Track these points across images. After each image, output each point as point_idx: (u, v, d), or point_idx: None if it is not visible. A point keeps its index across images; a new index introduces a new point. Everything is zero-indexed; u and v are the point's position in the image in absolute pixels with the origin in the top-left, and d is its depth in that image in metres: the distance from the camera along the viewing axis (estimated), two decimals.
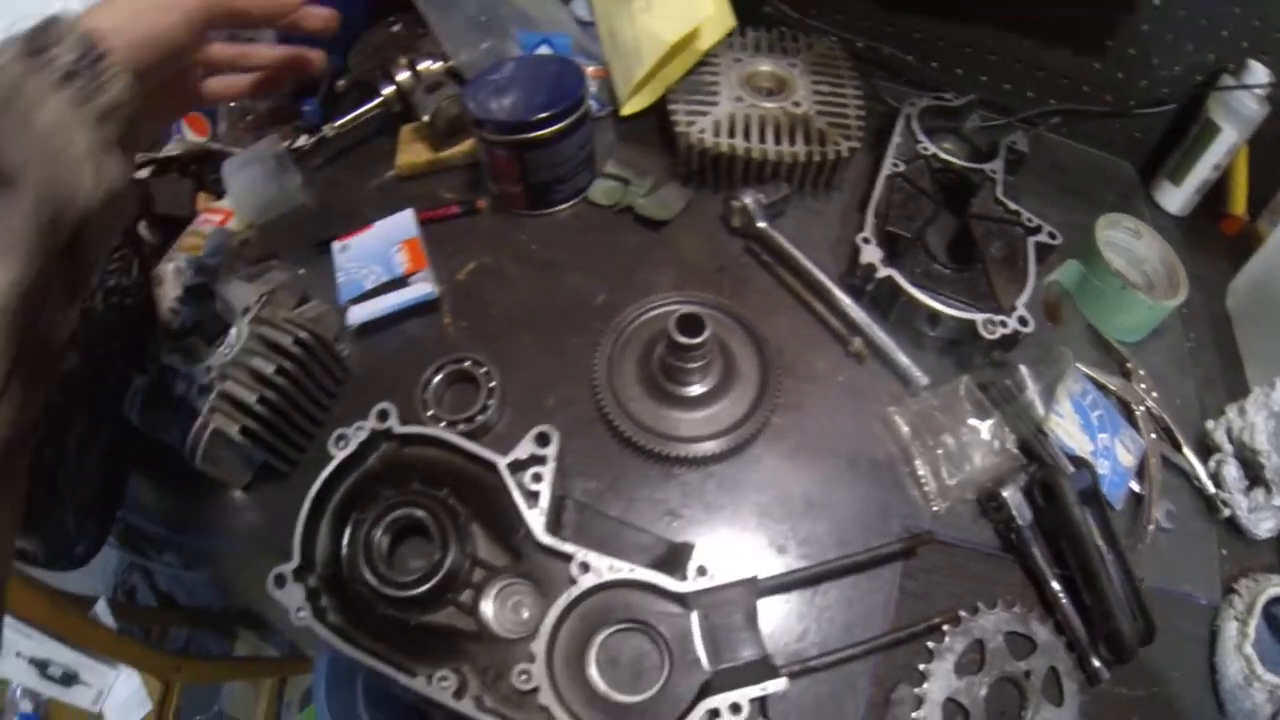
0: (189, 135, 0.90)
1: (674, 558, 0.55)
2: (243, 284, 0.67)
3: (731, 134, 0.72)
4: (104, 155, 0.36)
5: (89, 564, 0.68)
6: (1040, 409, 0.63)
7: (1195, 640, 0.59)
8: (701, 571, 0.51)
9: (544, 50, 0.77)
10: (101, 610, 1.18)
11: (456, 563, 0.54)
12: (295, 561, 0.54)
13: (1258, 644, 0.57)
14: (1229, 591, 0.61)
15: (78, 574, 1.15)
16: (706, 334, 0.56)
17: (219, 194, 0.86)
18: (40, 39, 0.35)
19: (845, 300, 0.67)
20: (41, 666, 1.10)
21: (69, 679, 1.16)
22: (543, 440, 0.56)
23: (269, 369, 0.61)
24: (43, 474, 0.62)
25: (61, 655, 1.12)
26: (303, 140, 0.85)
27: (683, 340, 0.56)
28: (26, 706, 1.21)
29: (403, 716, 0.81)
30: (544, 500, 0.54)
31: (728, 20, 0.70)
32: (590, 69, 0.78)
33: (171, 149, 0.87)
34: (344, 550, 0.56)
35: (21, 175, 0.33)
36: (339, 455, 0.57)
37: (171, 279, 0.75)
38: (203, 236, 0.80)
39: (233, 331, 0.64)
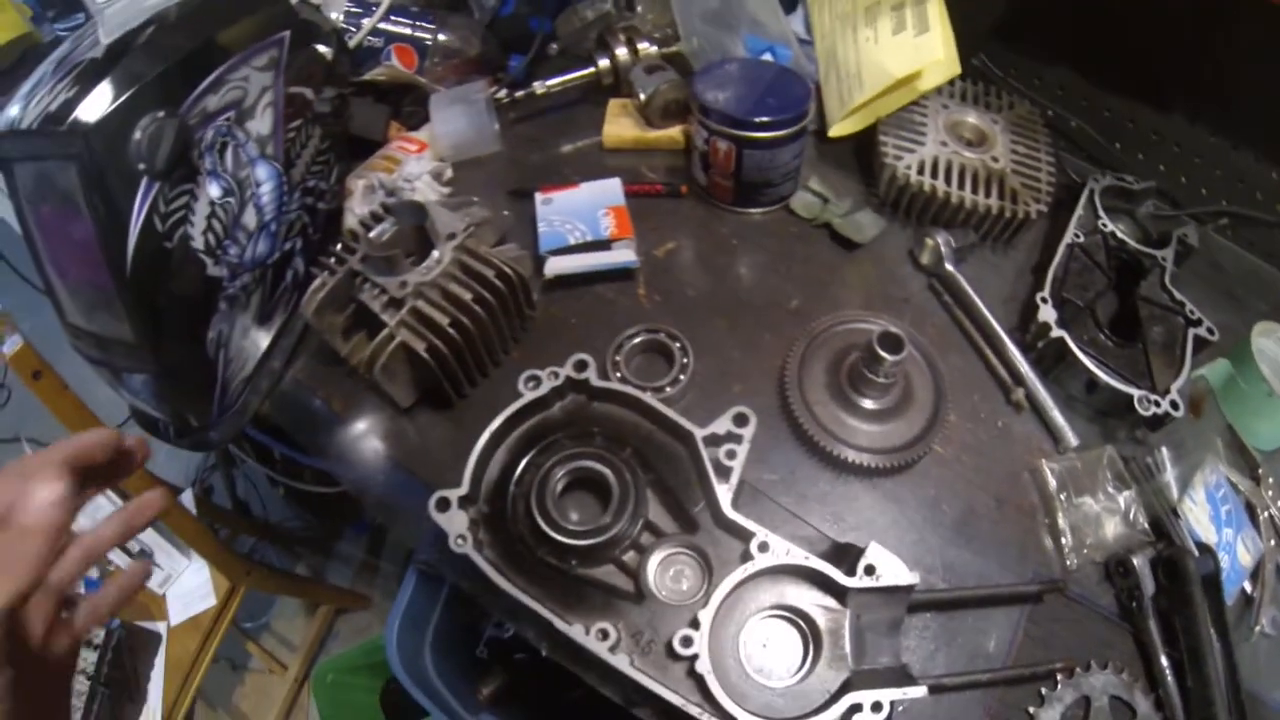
0: (396, 63, 0.93)
1: (836, 556, 0.58)
2: (448, 211, 0.68)
3: (934, 174, 0.74)
4: None
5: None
6: (1175, 491, 0.66)
7: None
8: (870, 571, 0.53)
9: (767, 58, 0.79)
10: (187, 499, 1.20)
11: (629, 523, 0.55)
12: (464, 489, 0.54)
13: None
14: None
15: (165, 460, 1.19)
16: (904, 353, 0.59)
17: (413, 125, 0.89)
18: None
19: (1014, 351, 0.69)
20: None
21: (143, 556, 1.18)
22: (741, 420, 0.58)
23: (466, 295, 0.62)
24: (209, 348, 0.65)
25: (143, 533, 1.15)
26: (503, 93, 0.88)
27: (883, 354, 0.58)
28: (93, 573, 1.25)
29: (464, 671, 0.84)
30: (734, 477, 0.56)
31: (954, 67, 0.72)
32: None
33: (377, 73, 0.89)
34: (512, 489, 0.57)
35: None
36: (528, 395, 0.58)
37: (361, 195, 0.78)
38: (395, 161, 0.82)
39: (434, 254, 0.64)
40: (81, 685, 1.07)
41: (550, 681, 0.83)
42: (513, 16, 0.94)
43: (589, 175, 0.79)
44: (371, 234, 0.64)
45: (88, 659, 1.09)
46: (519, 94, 0.86)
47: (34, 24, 1.11)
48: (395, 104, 0.91)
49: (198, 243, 0.60)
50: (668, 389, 0.65)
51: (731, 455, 0.57)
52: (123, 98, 0.53)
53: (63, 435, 0.89)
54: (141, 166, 0.54)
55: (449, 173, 0.83)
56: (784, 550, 0.54)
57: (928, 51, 0.71)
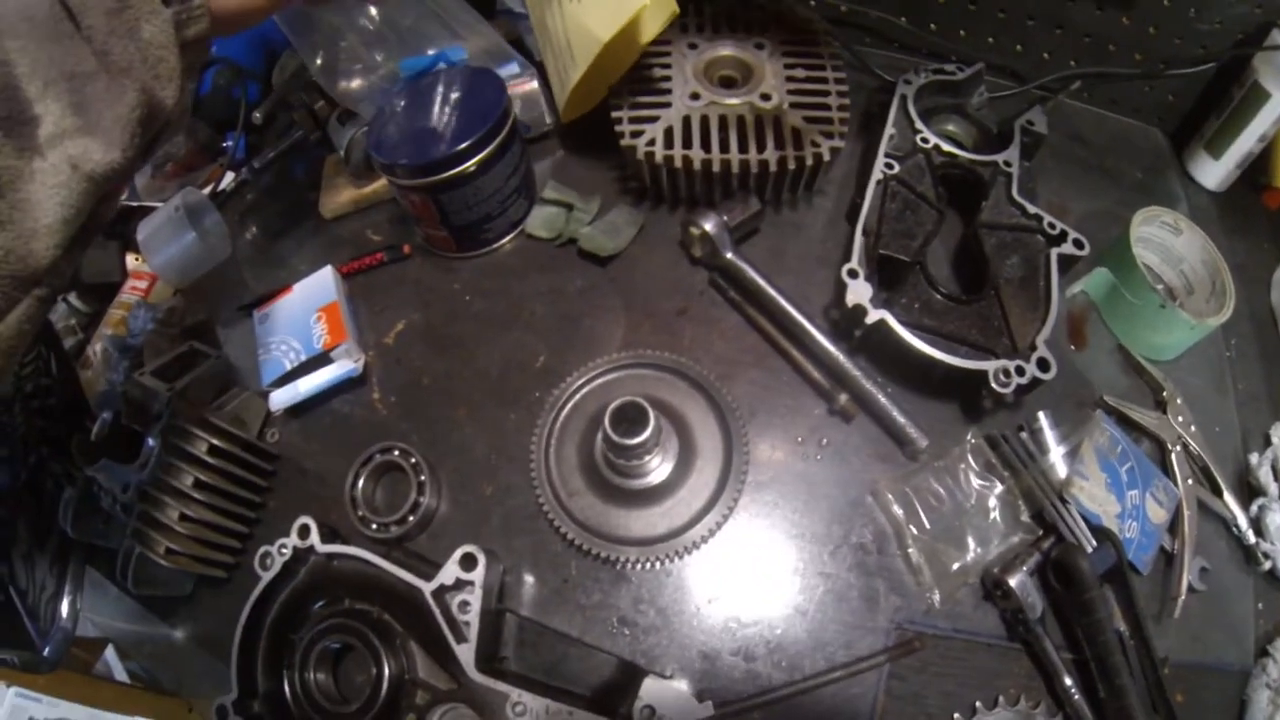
0: None
1: (625, 679, 0.42)
2: (157, 382, 0.53)
3: (687, 142, 0.52)
4: (185, 79, 0.36)
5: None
6: (1062, 470, 0.46)
7: (1223, 713, 0.46)
8: (650, 713, 0.38)
9: (443, 67, 0.55)
10: (110, 657, 1.06)
11: (394, 686, 0.43)
12: (234, 693, 0.45)
13: None
14: (1263, 654, 0.48)
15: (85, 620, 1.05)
16: (648, 431, 0.39)
17: None
18: None
19: (828, 346, 0.49)
20: None
21: None
22: (468, 564, 0.43)
23: (187, 482, 0.50)
24: None
25: (76, 714, 1.04)
26: (227, 181, 0.66)
27: (619, 441, 0.39)
28: None
29: None
30: (473, 632, 0.42)
31: (670, 4, 0.48)
32: (515, 80, 0.56)
33: None
34: (284, 672, 0.45)
35: (129, 73, 0.33)
36: (265, 577, 0.47)
37: (100, 362, 0.64)
38: (128, 308, 0.66)
39: (149, 442, 0.52)
40: None
41: None
42: (213, 93, 0.71)
43: (319, 255, 0.60)
44: (93, 432, 0.54)
45: None
46: (232, 184, 0.65)
47: None
48: (124, 235, 0.71)
49: None
50: (410, 518, 0.47)
51: (465, 608, 0.42)
52: None
53: None
54: None
55: (181, 303, 0.64)
56: (543, 709, 0.40)
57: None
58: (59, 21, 0.32)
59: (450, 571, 0.42)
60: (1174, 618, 0.46)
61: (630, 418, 0.40)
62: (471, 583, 0.41)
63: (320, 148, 0.66)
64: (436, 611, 0.41)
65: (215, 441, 0.50)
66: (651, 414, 0.40)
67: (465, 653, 0.41)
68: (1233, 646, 0.47)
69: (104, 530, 0.54)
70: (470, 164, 0.49)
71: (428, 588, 0.42)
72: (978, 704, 0.44)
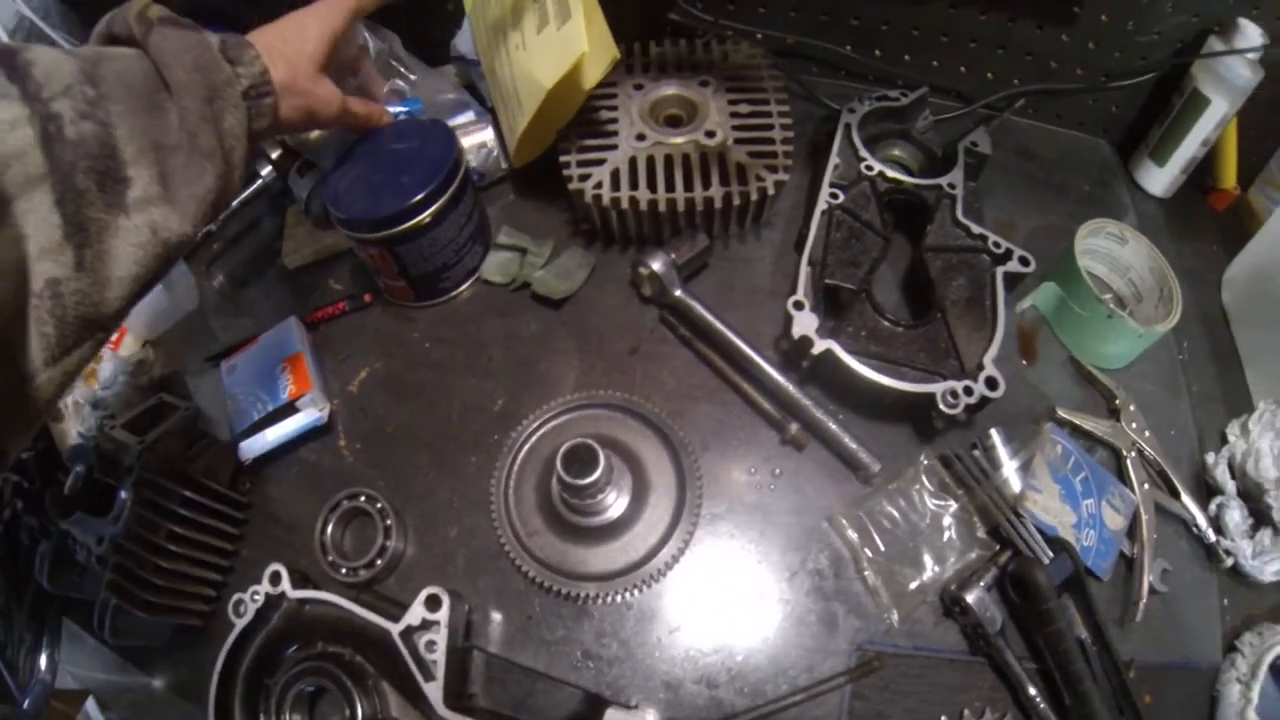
0: None
1: (590, 712, 0.44)
2: (127, 436, 0.56)
3: (634, 183, 0.56)
4: (245, 169, 0.42)
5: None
6: (1016, 485, 0.49)
7: (1192, 711, 0.49)
8: None
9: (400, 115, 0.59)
10: (91, 708, 1.07)
11: None
12: None
13: (1262, 708, 0.46)
14: (1230, 650, 0.50)
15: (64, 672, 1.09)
16: (598, 471, 0.42)
17: None
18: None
19: (777, 378, 0.52)
20: None
21: None
22: (433, 604, 0.45)
23: (159, 535, 0.53)
24: None
25: None
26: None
27: (571, 481, 0.42)
28: None
29: None
30: (440, 670, 0.44)
31: (610, 51, 0.52)
32: (469, 127, 0.61)
33: None
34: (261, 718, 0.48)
35: (210, 157, 0.38)
36: (239, 624, 0.49)
37: (71, 414, 0.66)
38: (98, 361, 0.68)
39: (121, 494, 0.54)
40: None
41: None
42: None
43: (283, 304, 0.63)
44: (66, 486, 0.55)
45: None
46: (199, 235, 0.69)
47: None
48: None
49: None
50: (377, 561, 0.50)
51: (432, 647, 0.45)
52: None
53: None
54: None
55: (151, 355, 0.68)
56: None
57: (573, 45, 0.51)
58: (155, 93, 0.36)
59: (416, 612, 0.44)
60: (1137, 621, 0.48)
61: (582, 459, 0.42)
62: (437, 622, 0.44)
63: (283, 197, 0.70)
64: (404, 651, 0.44)
65: (187, 493, 0.53)
66: (601, 454, 0.42)
67: (434, 690, 0.43)
68: (1199, 645, 0.50)
69: (79, 583, 0.56)
70: (424, 216, 0.52)
71: (395, 629, 0.44)
72: (943, 718, 0.46)
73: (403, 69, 0.65)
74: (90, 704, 0.88)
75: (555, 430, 0.50)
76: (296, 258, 0.65)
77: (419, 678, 0.44)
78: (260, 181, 0.68)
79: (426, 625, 0.45)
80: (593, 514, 0.46)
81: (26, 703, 0.60)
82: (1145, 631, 0.49)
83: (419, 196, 0.51)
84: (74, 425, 0.66)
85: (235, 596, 0.50)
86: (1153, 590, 0.49)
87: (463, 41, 0.67)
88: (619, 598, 0.47)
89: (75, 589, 0.57)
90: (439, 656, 0.44)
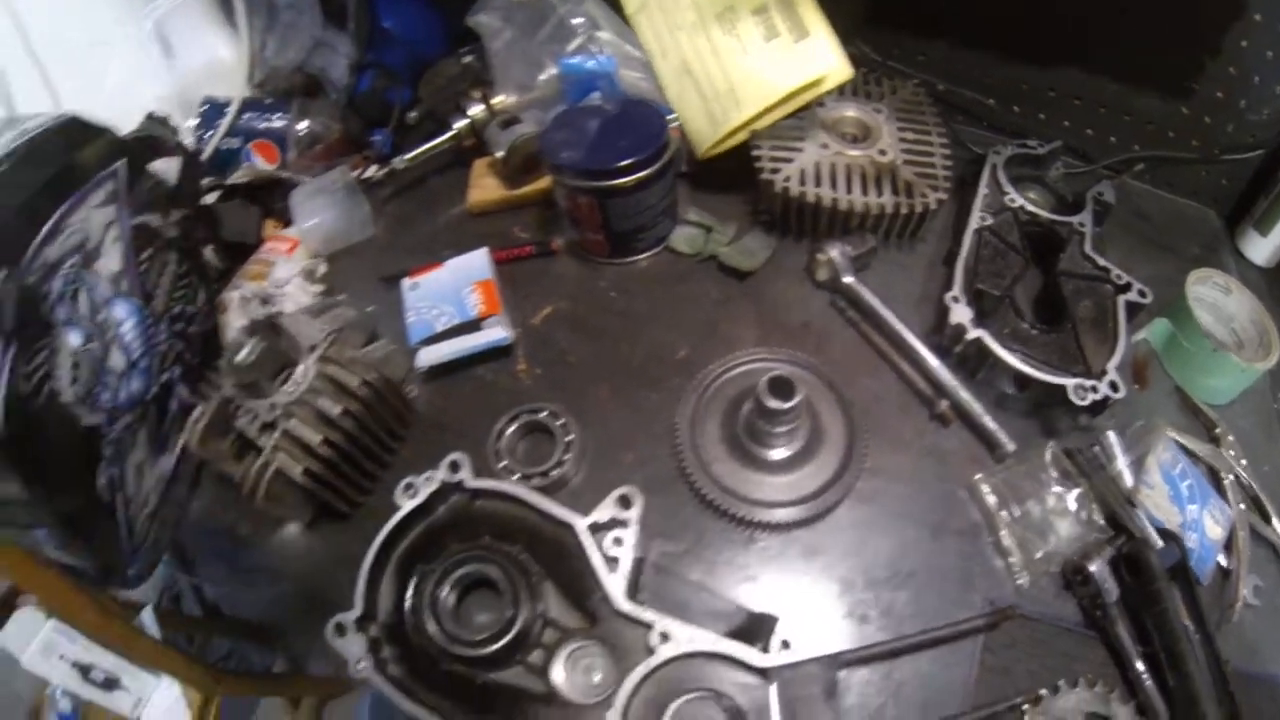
0: (258, 162, 0.91)
1: (754, 627, 0.54)
2: (309, 320, 0.67)
3: (818, 182, 0.71)
4: None
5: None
6: (1129, 478, 0.62)
7: None
8: (785, 645, 0.51)
9: (594, 97, 0.75)
10: (147, 618, 1.18)
11: (527, 622, 0.53)
12: (357, 610, 0.53)
13: None
14: None
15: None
16: (798, 398, 0.55)
17: (286, 221, 0.87)
18: None
19: (932, 361, 0.66)
20: (84, 670, 1.12)
21: (110, 684, 1.15)
22: (625, 503, 0.55)
23: (335, 410, 0.61)
24: (102, 494, 0.63)
25: (105, 660, 1.13)
26: (372, 171, 0.85)
27: (773, 405, 0.55)
28: (66, 706, 1.22)
29: None
30: (624, 566, 0.53)
31: (847, 70, 0.69)
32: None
33: (240, 175, 0.88)
34: (408, 603, 0.55)
35: None
36: (406, 506, 0.57)
37: (236, 307, 0.77)
38: (268, 265, 0.80)
39: (299, 369, 0.63)
40: None
41: None
42: (370, 92, 0.91)
43: (462, 244, 0.77)
44: (238, 356, 0.63)
45: None
46: (384, 171, 0.84)
47: None
48: (266, 202, 0.89)
49: (67, 396, 0.59)
50: (553, 472, 0.62)
51: (619, 542, 0.54)
52: None
53: None
54: None
55: (322, 268, 0.81)
56: (687, 638, 0.51)
57: (819, 59, 0.68)
58: None
59: (606, 509, 0.53)
60: (1232, 622, 0.58)
61: (782, 387, 0.55)
62: (626, 521, 0.53)
63: (467, 152, 0.85)
64: (590, 545, 0.52)
65: (370, 377, 0.62)
66: (799, 386, 0.56)
67: (616, 583, 0.51)
68: None
69: (229, 451, 0.64)
70: (640, 174, 0.66)
71: (583, 522, 0.53)
72: (1060, 683, 0.55)
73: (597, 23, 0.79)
74: (148, 613, 0.97)
75: (740, 376, 0.64)
76: (481, 204, 0.80)
77: (602, 571, 0.52)
78: (453, 131, 0.84)
79: (614, 524, 0.53)
80: (774, 445, 0.59)
81: (132, 568, 0.68)
82: (1238, 639, 0.58)
83: (637, 158, 0.66)
84: (237, 318, 0.76)
85: (405, 480, 0.56)
86: (1246, 604, 0.61)
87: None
88: (786, 531, 0.60)
89: (223, 459, 0.64)
90: (626, 552, 0.52)
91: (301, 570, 0.65)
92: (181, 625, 1.39)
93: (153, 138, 0.74)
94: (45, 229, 0.58)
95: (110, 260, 0.64)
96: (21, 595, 0.98)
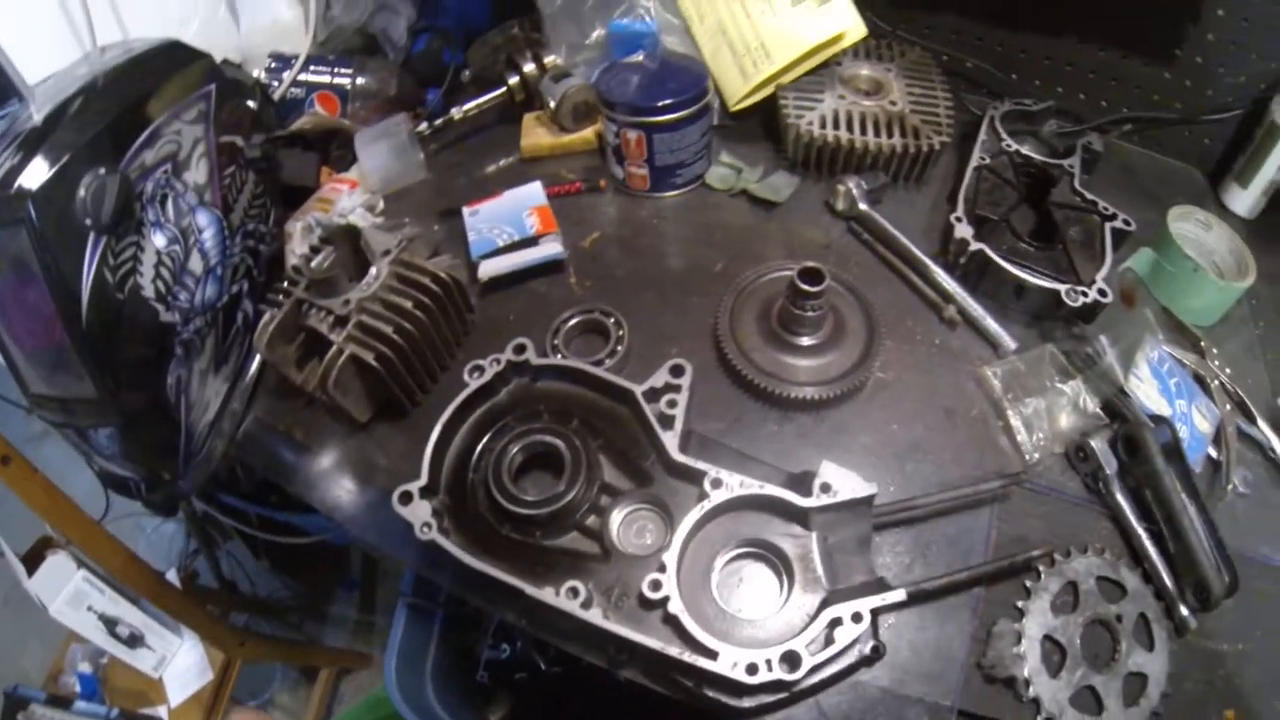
0: (320, 110, 1.04)
1: (792, 485, 0.64)
2: (382, 231, 0.78)
3: (836, 126, 0.85)
4: None
5: (177, 508, 0.78)
6: (1120, 372, 0.74)
7: (1275, 601, 0.66)
8: (825, 488, 0.60)
9: (638, 57, 0.89)
10: (173, 579, 1.27)
11: (585, 488, 0.63)
12: (423, 480, 0.61)
13: None
14: None
15: (146, 550, 1.27)
16: (826, 283, 0.68)
17: (342, 169, 1.00)
18: None
19: (939, 272, 0.79)
20: (110, 624, 1.16)
21: (135, 640, 1.20)
22: (677, 371, 0.65)
23: (407, 303, 0.71)
24: (169, 394, 0.71)
25: (131, 615, 1.19)
26: (424, 125, 1.00)
27: (805, 287, 0.68)
28: (85, 668, 1.29)
29: (468, 699, 0.89)
30: (678, 423, 0.63)
31: (861, 29, 0.85)
32: None
33: (304, 122, 1.00)
34: (470, 475, 0.64)
35: None
36: (473, 383, 0.66)
37: (300, 236, 0.88)
38: (329, 201, 0.93)
39: (372, 270, 0.73)
40: None
41: (553, 698, 0.88)
42: (425, 52, 1.07)
43: (514, 185, 0.90)
44: (312, 263, 0.73)
45: None
46: (438, 123, 0.98)
47: None
48: (324, 150, 1.02)
49: (148, 291, 0.68)
50: (606, 361, 0.73)
51: (672, 404, 0.64)
52: (63, 160, 0.61)
53: (34, 522, 0.95)
54: (88, 223, 0.62)
55: (381, 204, 0.94)
56: (737, 483, 0.61)
57: (840, 18, 0.84)
58: None
59: (660, 376, 0.64)
60: (1224, 503, 0.68)
61: (813, 274, 0.67)
62: (679, 386, 0.63)
63: (515, 109, 0.99)
64: (647, 408, 0.63)
65: (441, 274, 0.72)
66: (828, 276, 0.68)
67: (670, 439, 0.61)
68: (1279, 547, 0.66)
69: (294, 355, 0.72)
70: (685, 112, 0.80)
71: (640, 388, 0.63)
72: (1071, 549, 0.63)
73: None
74: (171, 574, 1.05)
75: (771, 282, 0.76)
76: (533, 149, 0.94)
77: (658, 428, 0.62)
78: (505, 89, 0.99)
79: (668, 389, 0.63)
80: (804, 332, 0.71)
81: (183, 481, 0.75)
82: (1230, 522, 0.66)
83: (683, 97, 0.80)
84: (300, 245, 0.86)
85: (471, 363, 0.65)
86: (1236, 492, 0.70)
87: None
88: (815, 410, 0.71)
89: (283, 360, 0.73)
90: (679, 412, 0.62)
91: (362, 468, 0.74)
92: (199, 598, 1.48)
93: (234, 77, 0.86)
94: (143, 136, 0.68)
95: (197, 173, 0.74)
96: (52, 546, 1.07)
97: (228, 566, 1.59)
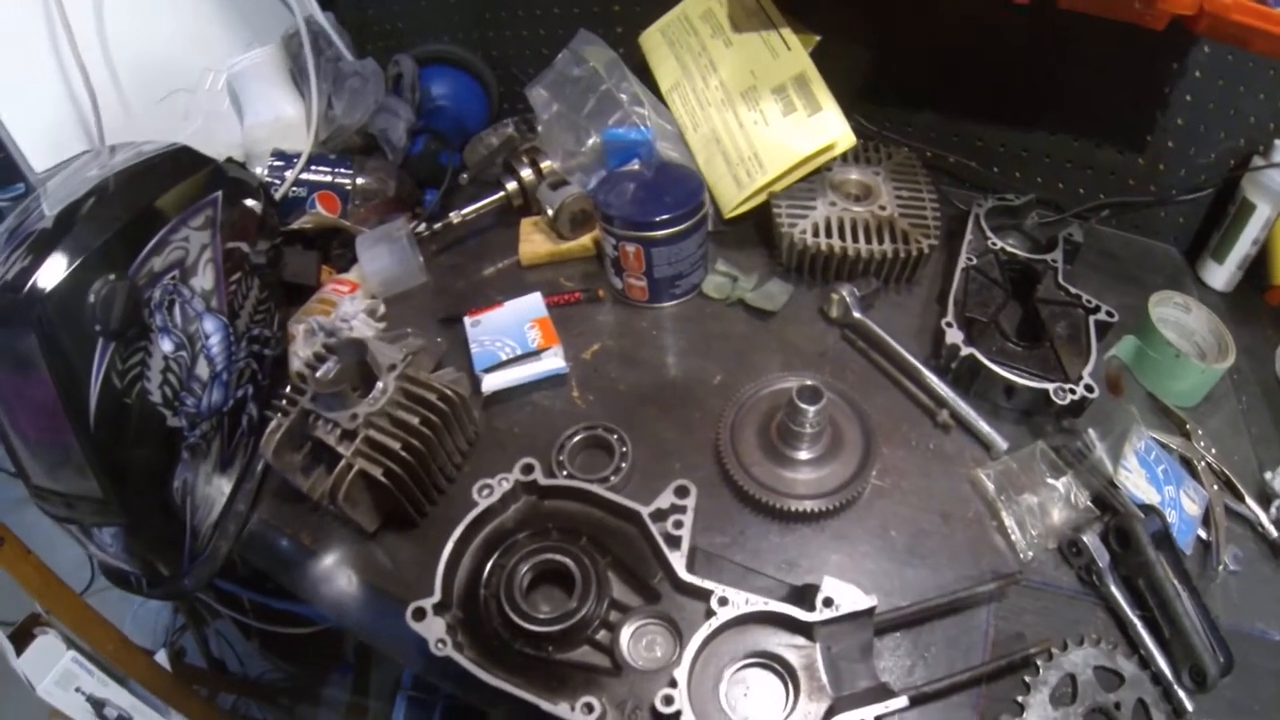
0: (321, 210, 1.13)
1: (796, 599, 0.71)
2: (386, 344, 0.85)
3: (828, 234, 0.96)
4: None
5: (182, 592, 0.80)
6: (1109, 465, 0.82)
7: (1273, 675, 0.71)
8: (828, 603, 0.67)
9: (634, 165, 0.99)
10: (162, 660, 1.32)
11: (595, 604, 0.69)
12: (436, 596, 0.66)
13: None
14: None
15: (132, 626, 1.32)
16: (823, 401, 0.77)
17: (343, 267, 1.10)
18: None
19: (932, 378, 0.88)
20: (98, 706, 1.20)
21: None
22: (682, 492, 0.73)
23: (414, 419, 0.77)
24: (174, 496, 0.76)
25: (119, 698, 1.22)
26: (423, 227, 1.09)
27: (804, 406, 0.77)
28: None
29: None
30: (684, 544, 0.70)
31: (851, 139, 0.96)
32: None
33: (304, 221, 1.09)
34: (482, 592, 0.70)
35: None
36: (483, 502, 0.72)
37: (303, 338, 0.96)
38: (330, 303, 1.01)
39: (379, 385, 0.79)
40: None
41: None
42: (423, 154, 1.17)
43: (511, 294, 0.99)
44: (319, 373, 0.79)
45: None
46: (437, 226, 1.08)
47: None
48: (324, 249, 1.11)
49: (155, 396, 0.73)
50: (611, 478, 0.81)
51: (679, 525, 0.71)
52: (75, 264, 0.65)
53: (26, 602, 1.01)
54: (97, 328, 0.65)
55: (382, 308, 1.03)
56: (743, 600, 0.68)
57: (830, 129, 0.94)
58: None
59: (666, 497, 0.70)
60: (1216, 583, 0.74)
61: (811, 392, 0.75)
62: (684, 506, 0.70)
63: (513, 212, 1.09)
64: (654, 529, 0.69)
65: (446, 391, 0.78)
66: (825, 392, 0.77)
67: (678, 559, 0.68)
68: (1274, 621, 0.71)
69: (301, 463, 0.77)
70: (683, 226, 0.89)
71: (646, 510, 0.70)
72: (1067, 641, 0.69)
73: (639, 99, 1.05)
74: (161, 656, 1.11)
75: (770, 395, 0.85)
76: (532, 257, 1.04)
77: (665, 549, 0.69)
78: (503, 193, 1.09)
79: (673, 510, 0.70)
80: (803, 446, 0.80)
81: (188, 579, 0.79)
82: (1224, 600, 0.72)
83: (680, 211, 0.89)
84: (303, 348, 0.94)
85: (480, 481, 0.71)
86: (1228, 569, 0.77)
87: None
88: (816, 521, 0.79)
89: (290, 467, 0.77)
90: (684, 532, 0.70)
91: (369, 576, 0.79)
92: (188, 677, 1.53)
93: (238, 178, 0.92)
94: (152, 243, 0.73)
95: (204, 279, 0.80)
96: (40, 625, 1.13)
97: (216, 645, 1.63)
